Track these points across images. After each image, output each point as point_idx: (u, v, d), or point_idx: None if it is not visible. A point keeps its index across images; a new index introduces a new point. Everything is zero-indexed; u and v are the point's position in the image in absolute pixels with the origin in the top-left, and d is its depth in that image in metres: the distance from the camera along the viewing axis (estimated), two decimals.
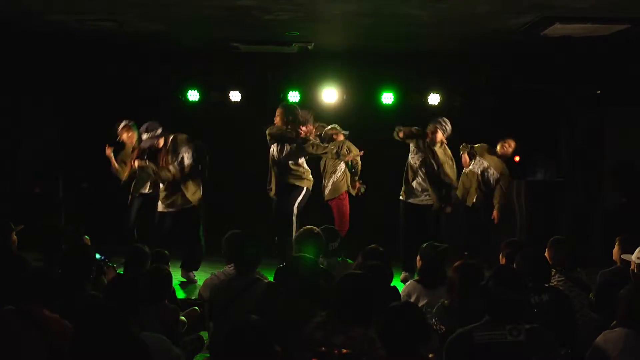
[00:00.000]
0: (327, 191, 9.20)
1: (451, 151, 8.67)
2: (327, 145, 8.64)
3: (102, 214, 9.68)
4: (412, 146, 8.61)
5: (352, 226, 9.15)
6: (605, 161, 10.48)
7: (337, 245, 6.13)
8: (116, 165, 8.53)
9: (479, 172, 9.02)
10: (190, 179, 8.25)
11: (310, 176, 8.61)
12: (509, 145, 9.00)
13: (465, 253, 8.24)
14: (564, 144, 11.09)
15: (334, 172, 9.18)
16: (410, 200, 8.60)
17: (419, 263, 5.49)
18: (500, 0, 6.71)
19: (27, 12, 7.68)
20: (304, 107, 9.04)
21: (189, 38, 9.04)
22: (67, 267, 4.82)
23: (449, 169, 8.53)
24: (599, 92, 10.32)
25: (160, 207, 8.29)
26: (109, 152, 8.45)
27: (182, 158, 8.22)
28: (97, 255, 5.76)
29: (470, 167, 9.07)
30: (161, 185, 8.33)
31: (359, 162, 9.11)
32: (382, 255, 5.39)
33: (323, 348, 3.65)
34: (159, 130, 8.16)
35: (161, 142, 8.22)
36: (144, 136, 8.15)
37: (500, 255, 5.81)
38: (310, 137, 8.52)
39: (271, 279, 5.55)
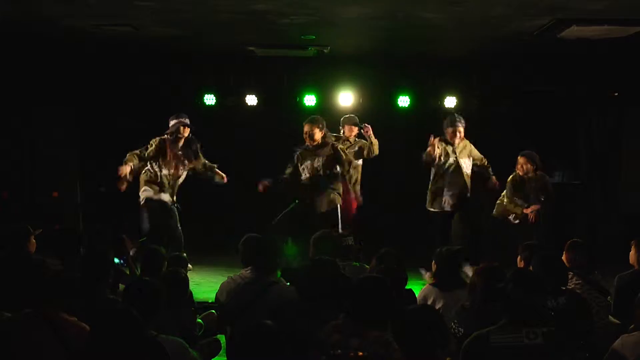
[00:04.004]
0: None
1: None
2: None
3: (120, 218, 9.72)
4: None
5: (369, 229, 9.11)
6: (624, 163, 10.40)
7: (352, 240, 6.15)
8: None
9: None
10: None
11: None
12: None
13: None
14: (581, 146, 11.02)
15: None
16: None
17: (433, 266, 5.48)
18: (516, 3, 6.69)
19: (44, 18, 7.75)
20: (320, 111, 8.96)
21: (205, 42, 9.07)
22: (86, 270, 4.85)
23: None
24: (616, 93, 10.25)
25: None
26: None
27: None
28: (116, 259, 5.79)
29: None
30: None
31: None
32: (397, 258, 5.38)
33: (339, 350, 3.64)
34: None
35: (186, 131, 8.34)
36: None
37: (518, 258, 5.78)
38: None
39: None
